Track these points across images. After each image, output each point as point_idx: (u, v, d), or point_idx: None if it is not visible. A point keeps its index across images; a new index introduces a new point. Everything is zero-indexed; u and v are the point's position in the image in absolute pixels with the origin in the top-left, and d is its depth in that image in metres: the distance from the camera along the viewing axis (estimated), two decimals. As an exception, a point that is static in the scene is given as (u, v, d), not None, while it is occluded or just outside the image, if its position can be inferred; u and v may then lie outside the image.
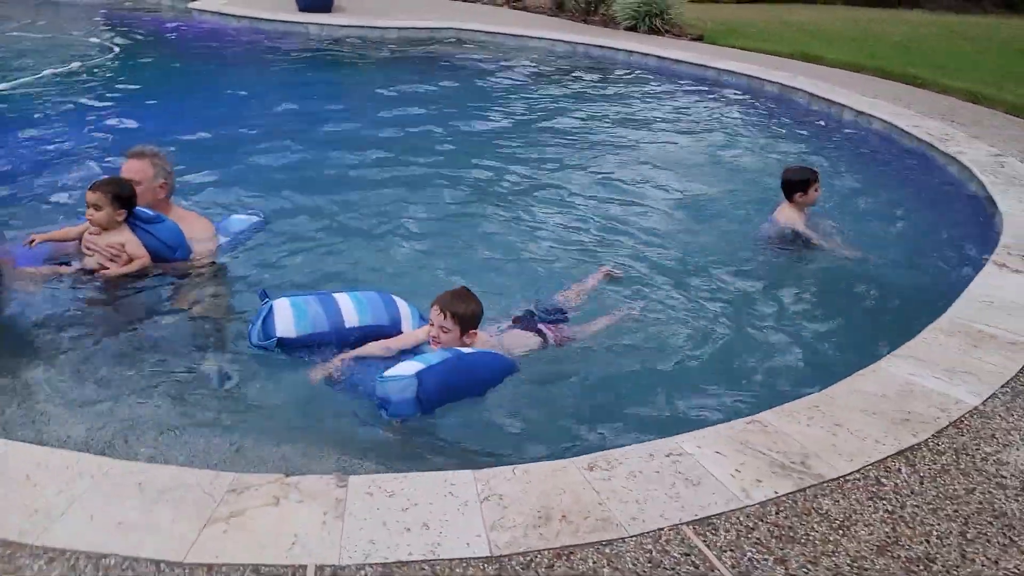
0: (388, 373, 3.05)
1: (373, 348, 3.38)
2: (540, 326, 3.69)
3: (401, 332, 3.52)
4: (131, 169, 4.18)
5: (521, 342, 3.57)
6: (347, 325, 3.44)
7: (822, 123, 8.21)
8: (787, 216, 5.02)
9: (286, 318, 3.37)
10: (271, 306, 3.40)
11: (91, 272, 3.88)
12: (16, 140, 6.35)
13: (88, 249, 3.92)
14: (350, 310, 3.46)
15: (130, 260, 3.89)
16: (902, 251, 5.11)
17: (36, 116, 7.08)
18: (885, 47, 12.23)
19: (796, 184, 5.01)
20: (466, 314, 3.33)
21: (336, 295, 3.53)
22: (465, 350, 3.27)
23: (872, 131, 7.76)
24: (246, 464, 2.73)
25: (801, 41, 12.37)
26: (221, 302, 4.00)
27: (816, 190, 5.03)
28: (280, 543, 2.18)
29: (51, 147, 6.24)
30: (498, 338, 3.56)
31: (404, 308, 3.63)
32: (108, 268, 3.88)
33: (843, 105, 8.26)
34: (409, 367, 3.05)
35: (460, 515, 2.32)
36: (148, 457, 2.71)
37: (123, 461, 2.51)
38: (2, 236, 4.04)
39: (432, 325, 3.35)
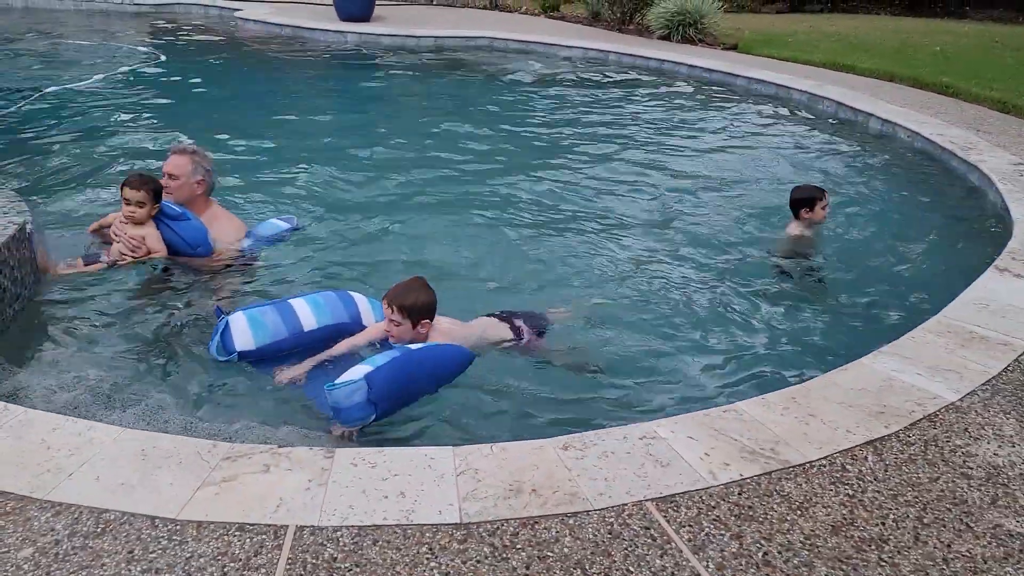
0: (337, 380, 3.02)
1: (340, 348, 3.48)
2: (518, 323, 3.74)
3: (363, 325, 3.59)
4: (172, 164, 4.41)
5: (493, 331, 3.65)
6: (306, 329, 3.46)
7: (847, 131, 8.22)
8: (790, 230, 5.13)
9: (243, 331, 3.36)
10: (227, 321, 3.38)
11: (114, 263, 4.11)
12: (65, 138, 6.69)
13: (115, 236, 4.16)
14: (307, 314, 3.49)
15: (148, 253, 4.13)
16: (911, 256, 5.15)
17: (85, 117, 7.44)
18: (923, 57, 12.12)
19: (800, 202, 5.13)
20: (413, 305, 3.36)
21: (292, 300, 3.55)
22: (414, 346, 3.29)
23: (896, 139, 7.75)
24: (244, 438, 2.92)
25: (838, 51, 12.32)
26: (235, 298, 4.19)
27: (823, 208, 5.08)
28: (266, 505, 2.35)
29: (98, 145, 6.57)
30: (469, 323, 3.66)
31: (364, 303, 3.69)
32: (126, 259, 4.12)
33: (869, 114, 8.26)
34: (357, 371, 3.04)
35: (436, 486, 2.47)
36: (155, 429, 2.91)
37: (131, 430, 2.71)
38: (41, 231, 4.29)
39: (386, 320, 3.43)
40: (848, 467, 2.67)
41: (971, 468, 2.70)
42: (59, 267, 4.12)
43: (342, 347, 3.50)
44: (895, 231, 5.59)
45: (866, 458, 2.72)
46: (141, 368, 3.42)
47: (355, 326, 3.60)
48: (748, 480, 2.57)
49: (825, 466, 2.67)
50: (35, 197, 5.14)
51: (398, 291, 3.42)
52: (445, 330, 3.51)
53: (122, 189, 4.14)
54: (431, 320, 3.45)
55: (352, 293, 3.73)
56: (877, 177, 6.86)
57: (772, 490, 2.54)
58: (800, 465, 2.66)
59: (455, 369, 3.32)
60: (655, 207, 5.85)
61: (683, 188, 6.28)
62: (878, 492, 2.55)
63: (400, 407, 3.14)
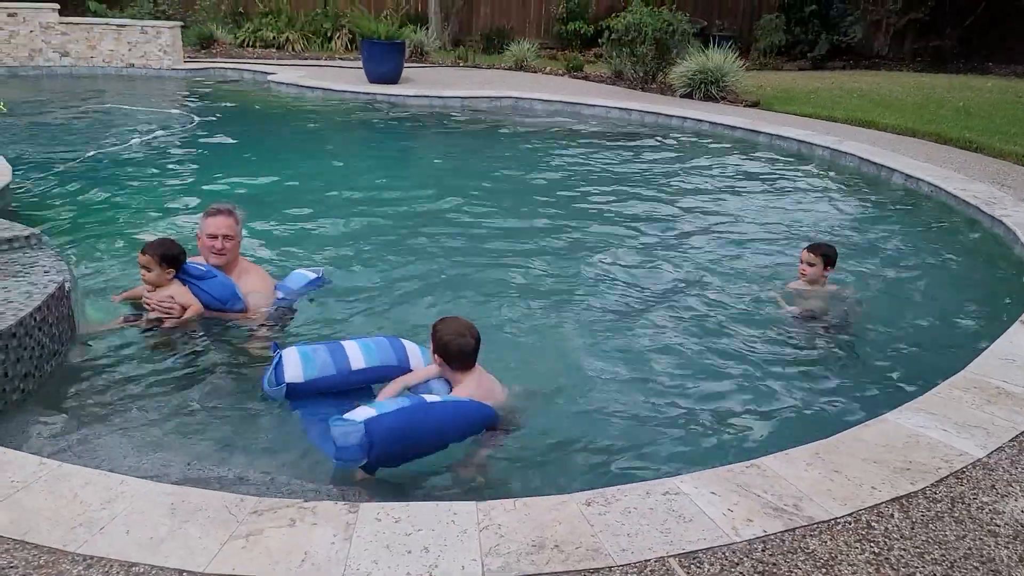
0: (344, 415, 3.05)
1: (392, 388, 3.54)
2: None
3: (411, 369, 3.66)
4: (226, 225, 4.47)
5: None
6: (354, 368, 3.56)
7: (870, 186, 8.27)
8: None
9: (294, 364, 3.48)
10: (280, 355, 3.52)
11: (158, 323, 4.22)
12: (103, 200, 6.91)
13: (148, 305, 4.26)
14: (357, 354, 3.59)
15: (183, 310, 4.23)
16: (935, 311, 5.14)
17: (122, 178, 7.66)
18: (946, 112, 12.21)
19: None
20: (433, 335, 3.49)
21: (344, 342, 3.67)
22: (432, 398, 3.32)
23: (920, 194, 7.79)
24: (272, 492, 2.96)
25: (860, 107, 12.46)
26: (266, 351, 4.27)
27: (803, 271, 5.06)
28: (292, 559, 2.38)
29: (134, 206, 6.77)
30: (508, 388, 3.65)
31: (412, 348, 3.76)
32: (166, 322, 4.21)
33: (892, 169, 8.31)
34: (362, 412, 3.06)
35: (459, 541, 2.49)
36: (185, 482, 2.96)
37: (161, 484, 2.76)
38: (79, 288, 4.41)
39: None
40: (874, 524, 2.65)
41: (999, 526, 2.67)
42: (108, 322, 4.25)
43: (392, 387, 3.55)
44: (918, 286, 5.58)
45: (892, 515, 2.70)
46: (172, 422, 3.49)
47: (401, 368, 3.65)
48: (772, 536, 2.56)
49: (850, 523, 2.65)
50: (74, 256, 5.30)
51: (442, 319, 3.55)
52: (481, 384, 3.50)
53: None
54: (450, 365, 3.48)
55: (403, 340, 3.80)
56: (900, 232, 6.87)
57: (796, 547, 2.52)
58: (825, 522, 2.65)
59: (473, 428, 3.32)
60: (676, 262, 5.89)
61: (703, 243, 6.33)
62: (904, 550, 2.53)
63: (403, 459, 3.15)
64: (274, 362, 3.53)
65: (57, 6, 14.35)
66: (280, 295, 4.70)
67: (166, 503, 2.62)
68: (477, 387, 3.49)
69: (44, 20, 14.16)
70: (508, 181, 8.25)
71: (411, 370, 3.68)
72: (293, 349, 3.57)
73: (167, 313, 4.22)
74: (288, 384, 3.46)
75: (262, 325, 4.44)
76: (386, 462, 3.12)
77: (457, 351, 3.48)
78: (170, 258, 4.20)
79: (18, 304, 3.50)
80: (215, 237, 4.45)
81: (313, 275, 4.97)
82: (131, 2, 17.23)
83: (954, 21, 18.77)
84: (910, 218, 7.29)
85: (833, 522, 2.65)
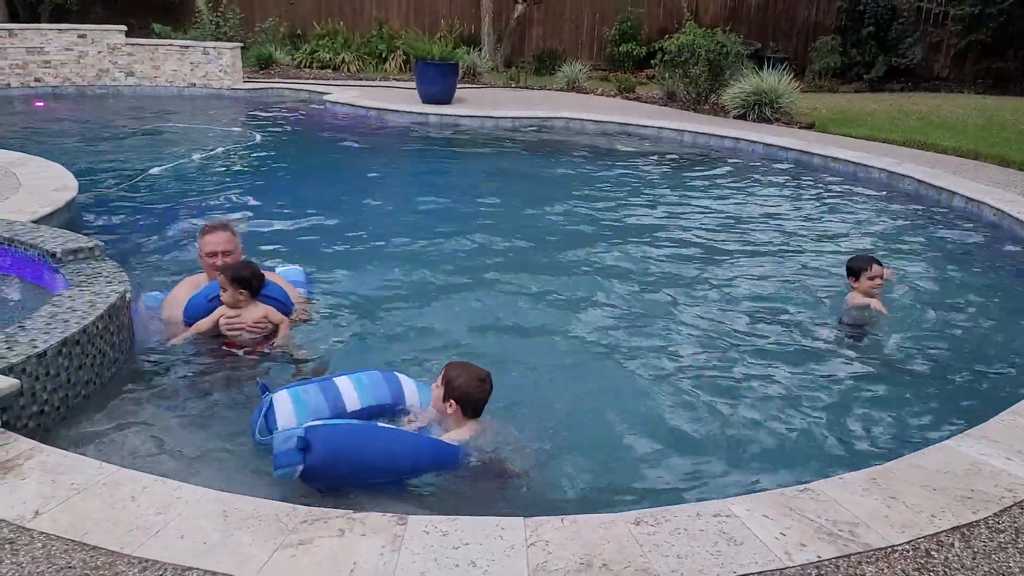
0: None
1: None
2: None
3: (405, 406, 3.55)
4: (224, 241, 4.49)
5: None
6: (349, 409, 3.42)
7: (929, 209, 8.08)
8: (848, 299, 5.21)
9: (286, 411, 3.31)
10: (271, 400, 3.34)
11: (246, 348, 4.25)
12: (167, 213, 7.11)
13: (231, 330, 4.25)
14: (351, 393, 3.45)
15: (276, 327, 4.30)
16: (998, 337, 5.00)
17: (184, 193, 7.89)
18: (1009, 135, 11.88)
19: (847, 271, 5.24)
20: (452, 381, 3.36)
21: (336, 379, 3.52)
22: (386, 425, 3.24)
23: (981, 218, 7.59)
24: (322, 502, 2.98)
25: (919, 129, 12.20)
26: (316, 350, 4.37)
27: (870, 279, 5.08)
28: (340, 569, 2.40)
29: (196, 219, 6.93)
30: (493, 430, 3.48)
31: (408, 384, 3.64)
32: (263, 342, 4.28)
33: (953, 192, 8.11)
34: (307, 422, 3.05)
35: (507, 556, 2.48)
36: (237, 490, 3.00)
37: (214, 491, 2.80)
38: (137, 294, 4.52)
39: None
40: (933, 553, 2.57)
41: (1067, 559, 2.57)
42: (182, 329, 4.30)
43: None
44: (978, 311, 5.43)
45: (952, 544, 2.62)
46: (227, 431, 3.54)
47: (396, 406, 3.54)
48: (826, 562, 2.50)
49: (908, 551, 2.58)
50: (134, 267, 5.44)
51: (456, 363, 3.45)
52: (485, 430, 3.39)
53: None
54: (464, 411, 3.39)
55: (398, 374, 3.68)
56: (961, 256, 6.71)
57: (851, 573, 2.46)
58: (881, 549, 2.57)
59: (430, 466, 3.21)
60: (727, 282, 5.82)
61: (754, 264, 6.25)
62: (965, 581, 2.45)
63: (346, 478, 3.06)
64: (263, 408, 3.35)
65: (124, 28, 14.85)
66: (301, 290, 4.82)
67: (219, 510, 2.67)
68: (481, 432, 3.38)
69: (112, 41, 14.66)
70: (554, 200, 8.24)
71: (406, 407, 3.55)
72: (284, 392, 3.39)
73: (260, 333, 4.28)
74: None
75: (298, 325, 4.51)
76: (327, 477, 3.01)
77: (478, 400, 3.39)
78: (239, 280, 4.19)
79: (81, 312, 3.62)
80: (214, 255, 4.46)
81: (300, 269, 5.06)
82: (194, 24, 17.73)
83: (1018, 42, 18.30)
84: (970, 242, 7.10)
85: (890, 549, 2.58)
